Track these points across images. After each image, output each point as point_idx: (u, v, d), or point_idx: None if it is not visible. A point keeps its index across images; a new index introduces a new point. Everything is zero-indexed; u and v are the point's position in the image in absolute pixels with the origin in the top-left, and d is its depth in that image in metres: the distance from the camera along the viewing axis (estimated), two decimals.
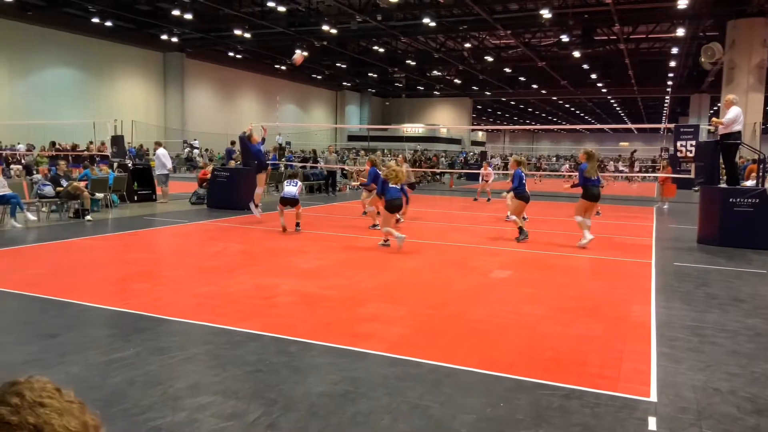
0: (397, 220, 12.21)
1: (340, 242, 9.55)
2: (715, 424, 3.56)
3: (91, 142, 24.15)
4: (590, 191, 10.08)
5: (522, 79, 47.15)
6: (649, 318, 5.85)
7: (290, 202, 11.14)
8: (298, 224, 11.32)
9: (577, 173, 10.81)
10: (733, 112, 10.70)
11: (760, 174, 11.97)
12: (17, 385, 0.83)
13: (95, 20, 28.96)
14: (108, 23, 29.60)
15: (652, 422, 3.56)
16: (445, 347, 4.88)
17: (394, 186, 9.68)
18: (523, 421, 3.54)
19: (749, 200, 10.46)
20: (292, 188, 11.22)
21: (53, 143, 24.54)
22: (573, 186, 10.58)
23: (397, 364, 4.43)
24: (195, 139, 36.28)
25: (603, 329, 5.48)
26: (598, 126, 73.37)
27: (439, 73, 46.48)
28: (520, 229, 10.65)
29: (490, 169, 20.39)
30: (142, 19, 29.69)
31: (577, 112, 72.06)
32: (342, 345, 4.81)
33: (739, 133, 10.89)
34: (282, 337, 4.99)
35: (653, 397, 3.92)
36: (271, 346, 4.79)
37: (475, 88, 51.03)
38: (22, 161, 22.28)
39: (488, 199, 18.85)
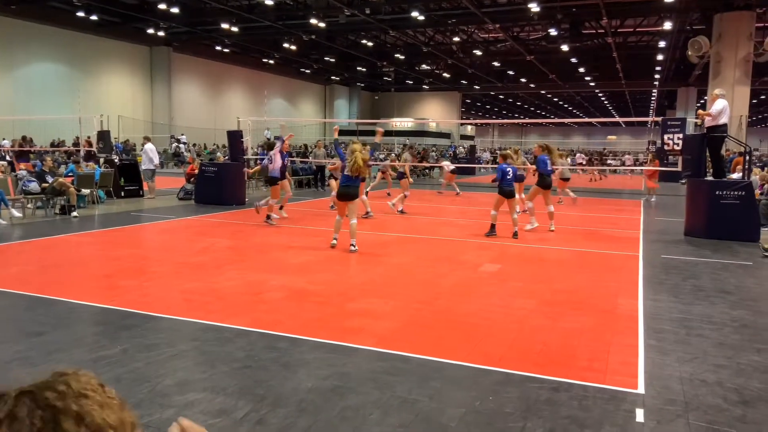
0: (366, 214, 12.22)
1: (329, 237, 9.51)
2: (701, 415, 3.59)
3: (78, 138, 23.90)
4: (544, 180, 11.38)
5: (511, 72, 47.20)
6: (636, 310, 5.89)
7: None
8: (281, 207, 11.96)
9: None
10: (720, 104, 10.76)
11: (746, 166, 12.09)
12: (65, 375, 0.88)
13: (80, 14, 28.63)
14: (93, 17, 29.27)
15: (639, 414, 3.58)
16: (435, 341, 4.88)
17: (348, 174, 8.98)
18: (512, 414, 3.55)
19: (735, 193, 10.54)
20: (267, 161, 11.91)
21: (24, 138, 24.27)
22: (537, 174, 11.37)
23: (386, 359, 4.42)
24: (182, 134, 36.04)
25: (591, 322, 5.51)
26: (587, 120, 73.75)
27: (428, 67, 46.42)
28: (492, 225, 10.62)
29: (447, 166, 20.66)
30: (127, 13, 29.38)
31: (566, 105, 72.33)
32: (331, 340, 4.80)
33: (725, 125, 10.96)
34: (271, 333, 4.97)
35: (641, 389, 3.95)
36: (259, 342, 4.77)
37: (464, 82, 51.03)
38: (7, 157, 22.02)
39: (457, 193, 19.01)
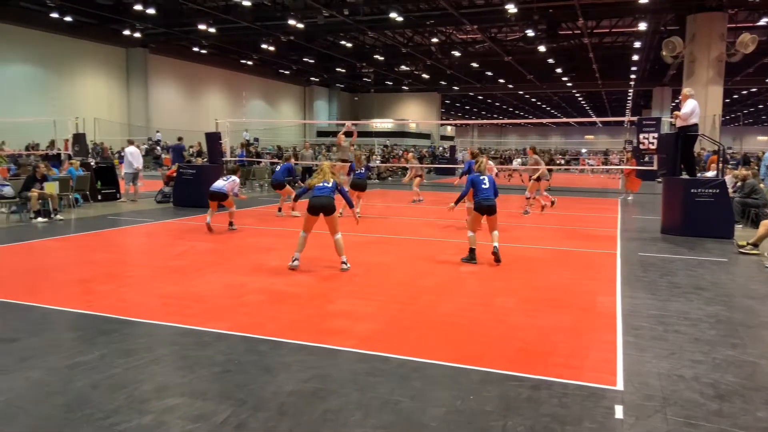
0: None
1: (309, 239, 9.44)
2: (679, 410, 3.64)
3: (53, 141, 23.55)
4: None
5: (489, 73, 47.52)
6: (614, 308, 5.95)
7: (218, 196, 10.59)
8: (231, 223, 10.95)
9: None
10: (690, 105, 10.94)
11: (720, 165, 12.30)
12: None
13: (54, 15, 28.20)
14: (68, 18, 28.86)
15: (618, 410, 3.62)
16: (415, 341, 4.88)
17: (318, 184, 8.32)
18: (492, 413, 3.56)
19: (709, 191, 10.73)
20: (221, 182, 10.71)
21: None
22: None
23: (367, 360, 4.42)
24: (158, 131, 35.56)
25: (570, 320, 5.56)
26: (564, 120, 74.47)
27: (407, 68, 46.54)
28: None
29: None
30: (103, 14, 29.01)
31: (544, 106, 73.03)
32: (311, 342, 4.78)
33: (696, 125, 11.13)
34: (251, 336, 4.93)
35: (620, 386, 3.99)
36: (239, 345, 4.73)
37: (443, 82, 51.26)
38: None
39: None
